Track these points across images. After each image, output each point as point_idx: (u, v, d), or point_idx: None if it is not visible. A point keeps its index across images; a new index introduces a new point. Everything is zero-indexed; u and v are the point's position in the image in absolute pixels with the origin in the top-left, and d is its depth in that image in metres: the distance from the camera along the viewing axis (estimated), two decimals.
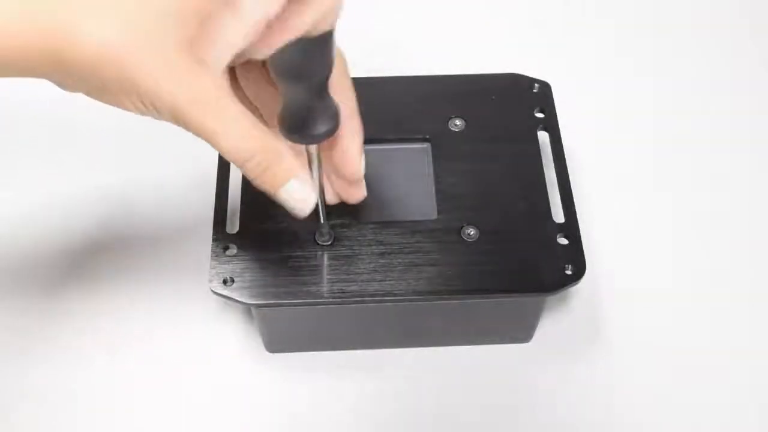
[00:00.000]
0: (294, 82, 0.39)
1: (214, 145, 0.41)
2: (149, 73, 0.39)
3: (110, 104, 0.41)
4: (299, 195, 0.42)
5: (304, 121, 0.41)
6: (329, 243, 0.48)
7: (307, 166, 0.43)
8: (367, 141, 0.52)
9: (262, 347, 0.53)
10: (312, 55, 0.38)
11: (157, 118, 0.41)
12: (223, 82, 0.41)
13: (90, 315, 0.54)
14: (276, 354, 0.53)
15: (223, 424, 0.51)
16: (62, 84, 0.41)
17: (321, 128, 0.41)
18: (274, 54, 0.38)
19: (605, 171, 0.61)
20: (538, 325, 0.53)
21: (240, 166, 0.41)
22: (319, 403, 0.51)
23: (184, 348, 0.53)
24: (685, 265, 0.57)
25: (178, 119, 0.40)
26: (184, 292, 0.54)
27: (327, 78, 0.39)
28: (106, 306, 0.54)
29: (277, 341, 0.52)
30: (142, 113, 0.41)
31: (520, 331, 0.53)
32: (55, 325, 0.53)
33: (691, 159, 0.62)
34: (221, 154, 0.41)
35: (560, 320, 0.54)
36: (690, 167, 0.61)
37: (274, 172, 0.42)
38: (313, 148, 0.43)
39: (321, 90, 0.40)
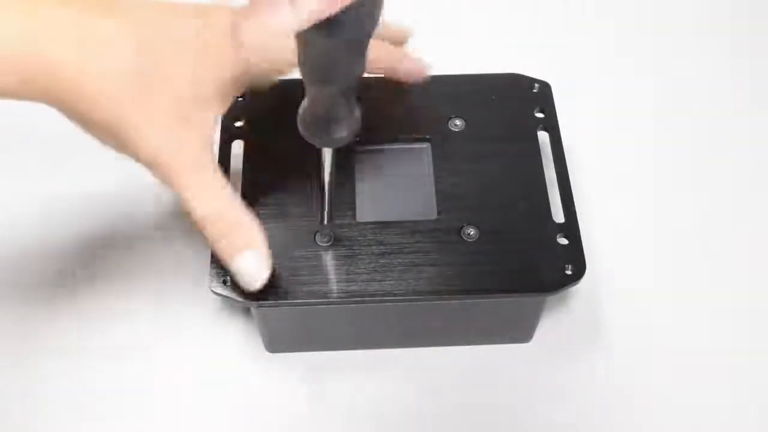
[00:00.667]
0: (322, 85, 0.38)
1: (181, 199, 0.43)
2: (137, 127, 0.42)
3: (92, 136, 0.44)
4: (250, 269, 0.44)
5: (325, 124, 0.40)
6: (329, 243, 0.48)
7: (264, 242, 0.45)
8: (367, 141, 0.53)
9: (262, 347, 0.53)
10: (345, 60, 0.37)
11: (130, 159, 0.43)
12: (207, 141, 0.44)
13: (89, 315, 0.54)
14: (276, 354, 0.53)
15: (223, 424, 0.51)
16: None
17: (340, 133, 0.41)
18: (306, 56, 0.38)
19: (605, 171, 0.61)
20: (538, 325, 0.53)
21: (200, 228, 0.44)
22: (319, 403, 0.51)
23: (184, 348, 0.53)
24: (686, 265, 0.57)
25: (154, 171, 0.43)
26: (184, 292, 0.54)
27: (356, 83, 0.39)
28: (106, 306, 0.54)
29: (277, 341, 0.52)
30: (118, 153, 0.44)
31: (520, 331, 0.53)
32: (53, 327, 0.53)
33: (691, 159, 0.62)
34: (185, 209, 0.44)
35: (560, 320, 0.54)
36: (690, 167, 0.61)
37: (230, 241, 0.44)
38: (327, 151, 0.43)
39: (348, 94, 0.39)
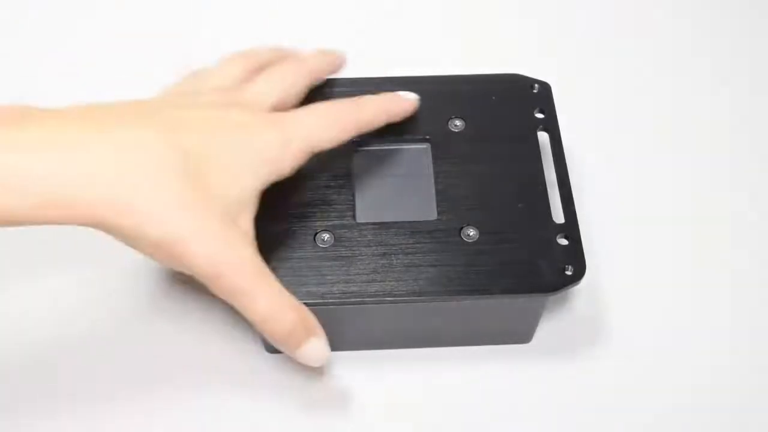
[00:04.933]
0: None
1: (245, 306, 0.43)
2: (190, 240, 0.41)
3: (142, 253, 0.43)
4: (317, 353, 0.45)
5: None
6: (329, 244, 0.48)
7: (318, 324, 0.45)
8: (367, 141, 0.53)
9: (262, 347, 0.53)
10: None
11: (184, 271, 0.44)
12: (253, 241, 0.45)
13: (88, 314, 0.54)
14: (276, 354, 0.53)
15: (222, 424, 0.51)
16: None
17: None
18: None
19: (605, 171, 0.61)
20: (538, 325, 0.53)
21: (262, 330, 0.44)
22: (319, 403, 0.51)
23: (183, 348, 0.53)
24: (686, 265, 0.57)
25: (214, 282, 0.43)
26: (183, 292, 0.54)
27: None
28: (105, 305, 0.54)
29: None
30: (174, 269, 0.44)
31: (520, 331, 0.53)
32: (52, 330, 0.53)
33: (691, 159, 0.62)
34: (249, 316, 0.43)
35: (560, 320, 0.54)
36: (690, 167, 0.61)
37: (297, 334, 0.44)
38: None
39: None
